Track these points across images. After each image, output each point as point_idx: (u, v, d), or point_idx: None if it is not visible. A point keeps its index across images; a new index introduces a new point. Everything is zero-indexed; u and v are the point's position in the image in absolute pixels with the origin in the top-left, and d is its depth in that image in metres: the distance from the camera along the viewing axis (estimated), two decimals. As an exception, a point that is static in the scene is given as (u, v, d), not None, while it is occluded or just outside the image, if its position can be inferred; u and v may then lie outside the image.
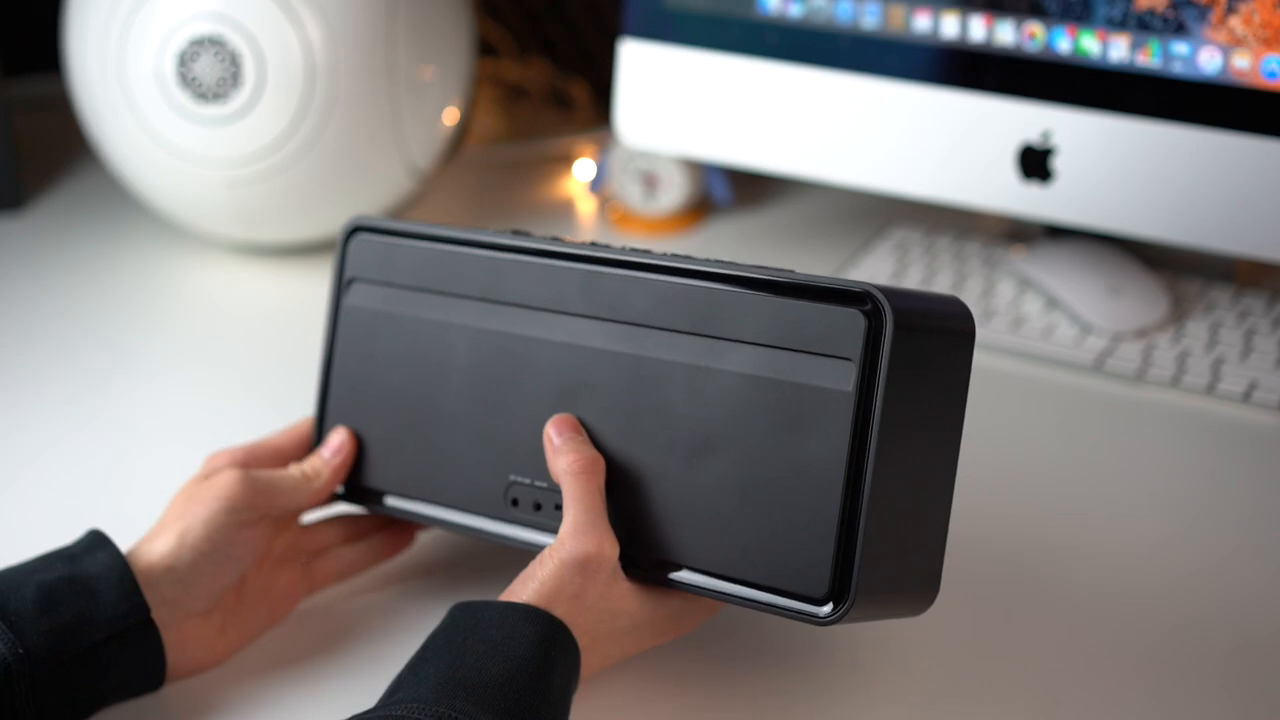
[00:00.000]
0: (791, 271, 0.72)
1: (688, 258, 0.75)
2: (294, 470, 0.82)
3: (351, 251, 0.85)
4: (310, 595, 0.85)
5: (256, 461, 0.83)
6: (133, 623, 0.75)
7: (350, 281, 0.85)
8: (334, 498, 0.85)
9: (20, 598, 0.73)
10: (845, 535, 0.69)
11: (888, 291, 0.69)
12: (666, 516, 0.74)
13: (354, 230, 0.85)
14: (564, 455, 0.75)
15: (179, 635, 0.77)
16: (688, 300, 0.74)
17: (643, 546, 0.75)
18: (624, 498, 0.75)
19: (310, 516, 0.87)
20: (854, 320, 0.69)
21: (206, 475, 0.81)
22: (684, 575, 0.74)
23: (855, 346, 0.69)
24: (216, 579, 0.78)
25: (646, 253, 0.77)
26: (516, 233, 0.82)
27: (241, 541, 0.79)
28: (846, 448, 0.69)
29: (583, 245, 0.78)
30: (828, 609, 0.69)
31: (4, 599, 0.73)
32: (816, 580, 0.69)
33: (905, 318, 0.69)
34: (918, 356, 0.70)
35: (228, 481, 0.78)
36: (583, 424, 0.77)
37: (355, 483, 0.85)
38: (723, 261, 0.74)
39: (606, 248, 0.78)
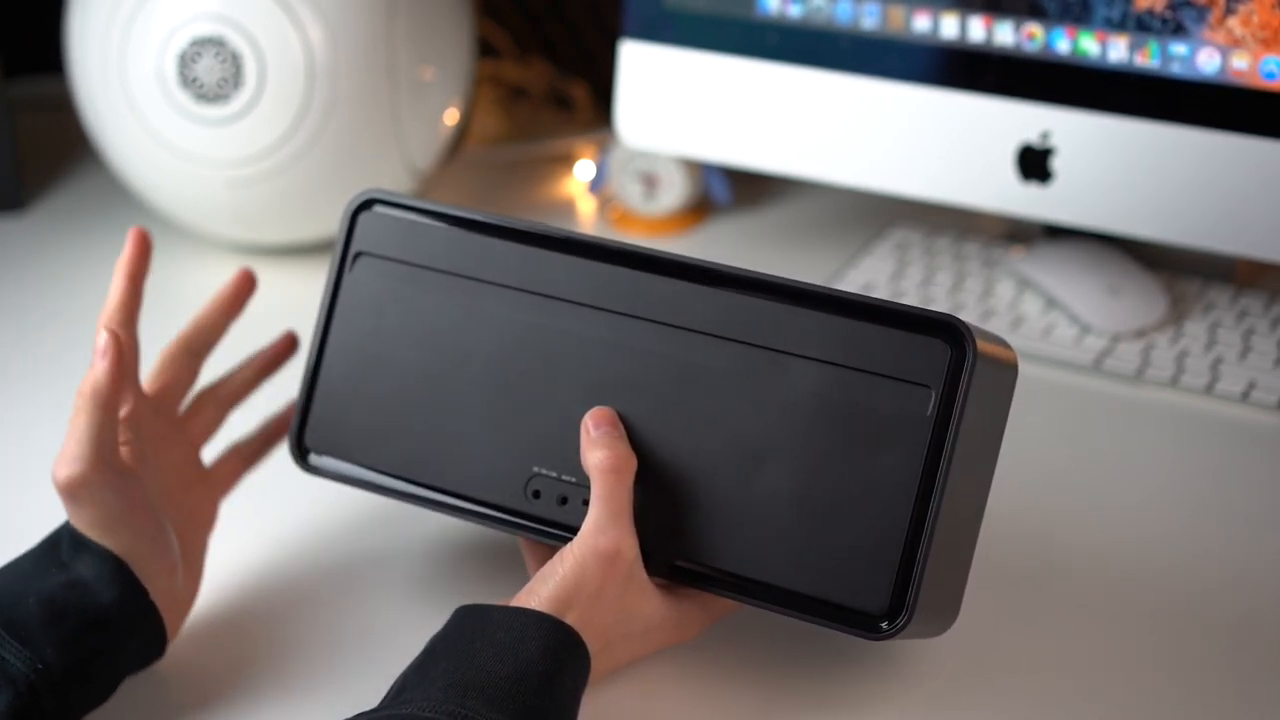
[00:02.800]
0: (867, 296, 0.73)
1: (751, 271, 0.76)
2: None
3: (361, 225, 0.83)
4: (226, 496, 0.86)
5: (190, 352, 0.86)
6: (135, 610, 0.76)
7: (357, 255, 0.83)
8: (334, 479, 0.83)
9: (25, 611, 0.73)
10: (906, 554, 0.70)
11: (967, 323, 0.71)
12: (712, 521, 0.74)
13: (365, 204, 0.83)
14: (598, 449, 0.75)
15: (164, 609, 0.78)
16: (751, 313, 0.75)
17: (680, 549, 0.75)
18: (662, 499, 0.75)
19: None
20: (938, 349, 0.71)
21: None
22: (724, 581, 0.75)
23: (937, 375, 0.71)
24: (162, 552, 0.77)
25: (704, 261, 0.77)
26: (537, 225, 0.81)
27: (139, 507, 0.77)
28: (920, 470, 0.70)
29: (632, 246, 0.78)
30: (885, 625, 0.71)
31: (7, 615, 0.73)
32: (876, 596, 0.71)
33: (984, 350, 0.71)
34: (985, 389, 0.72)
35: (80, 490, 0.75)
36: (621, 419, 0.76)
37: (352, 463, 0.83)
38: (792, 279, 0.75)
39: (655, 250, 0.78)
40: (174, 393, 0.85)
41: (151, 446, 0.81)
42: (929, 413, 0.71)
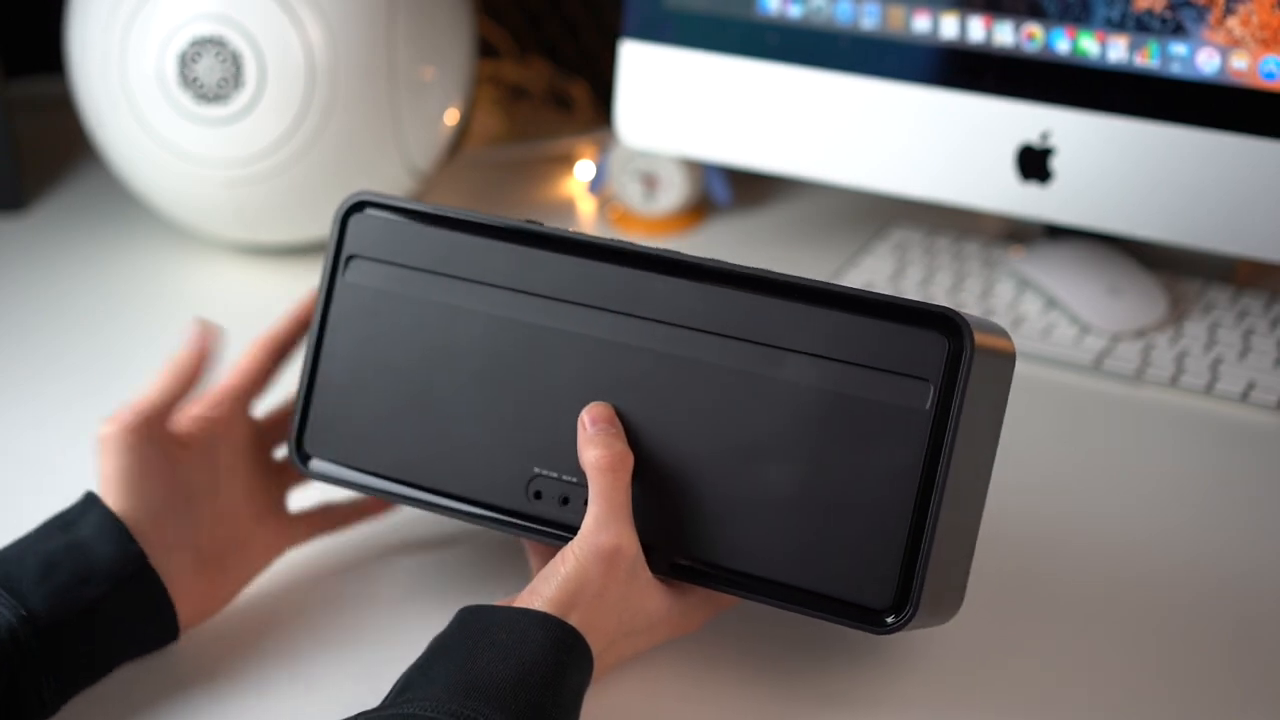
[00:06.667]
0: (863, 290, 0.73)
1: (746, 267, 0.75)
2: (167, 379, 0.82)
3: (352, 227, 0.83)
4: (294, 546, 0.87)
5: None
6: (130, 571, 0.77)
7: (350, 258, 0.83)
8: (337, 484, 0.83)
9: (22, 567, 0.75)
10: (909, 547, 0.70)
11: (965, 316, 0.70)
12: (713, 518, 0.74)
13: (355, 206, 0.83)
14: (594, 447, 0.74)
15: (174, 588, 0.79)
16: (748, 308, 0.74)
17: (681, 546, 0.75)
18: (663, 495, 0.75)
19: (296, 503, 0.88)
20: (935, 343, 0.71)
21: None
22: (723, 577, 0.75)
23: (935, 369, 0.70)
24: (176, 527, 0.80)
25: (699, 258, 0.76)
26: (530, 222, 0.80)
27: (159, 476, 0.80)
28: (920, 464, 0.70)
29: (624, 243, 0.78)
30: (890, 619, 0.71)
31: (6, 570, 0.75)
32: (880, 590, 0.71)
33: (981, 342, 0.70)
34: (984, 379, 0.72)
35: (107, 442, 0.80)
36: (620, 416, 0.76)
37: (353, 467, 0.82)
38: (787, 274, 0.75)
39: (649, 248, 0.77)
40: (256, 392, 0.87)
41: (224, 429, 0.83)
42: (928, 406, 0.71)
